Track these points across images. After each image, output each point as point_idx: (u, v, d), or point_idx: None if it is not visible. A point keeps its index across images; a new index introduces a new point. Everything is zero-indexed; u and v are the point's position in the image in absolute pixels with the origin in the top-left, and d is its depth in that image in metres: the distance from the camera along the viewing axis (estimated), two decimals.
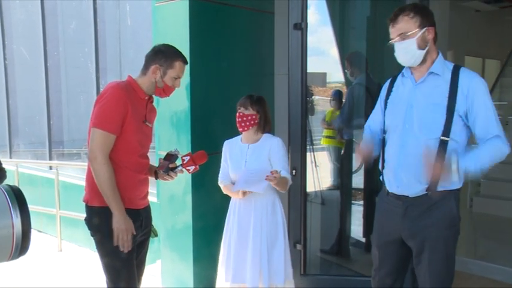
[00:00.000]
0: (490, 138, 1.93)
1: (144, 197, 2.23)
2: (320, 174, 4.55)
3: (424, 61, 1.98)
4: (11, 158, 6.46)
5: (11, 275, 3.72)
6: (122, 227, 2.02)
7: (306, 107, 3.17)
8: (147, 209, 2.26)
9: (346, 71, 3.95)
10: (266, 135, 2.55)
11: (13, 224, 0.98)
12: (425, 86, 1.99)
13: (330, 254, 3.85)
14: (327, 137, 4.90)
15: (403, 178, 2.02)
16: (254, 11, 3.48)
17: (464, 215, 5.90)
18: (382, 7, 3.78)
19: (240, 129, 2.51)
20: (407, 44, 1.94)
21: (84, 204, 2.15)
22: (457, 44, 7.54)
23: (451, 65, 1.99)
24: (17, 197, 1.01)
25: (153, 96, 2.24)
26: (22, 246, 0.99)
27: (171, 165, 2.24)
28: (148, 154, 2.28)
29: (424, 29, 1.93)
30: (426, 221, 2.01)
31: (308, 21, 3.06)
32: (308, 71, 3.13)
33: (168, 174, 2.25)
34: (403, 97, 2.06)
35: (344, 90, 4.76)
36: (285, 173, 2.46)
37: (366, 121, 2.34)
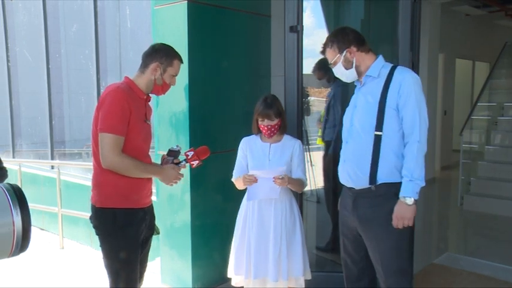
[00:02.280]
0: (412, 144, 2.03)
1: (149, 195, 2.25)
2: (316, 173, 4.56)
3: (360, 72, 2.15)
4: (14, 157, 6.44)
5: (13, 272, 3.70)
6: (170, 179, 2.18)
7: (302, 108, 3.17)
8: (151, 208, 2.28)
9: (318, 80, 3.96)
10: (286, 136, 2.59)
11: (13, 222, 0.97)
12: (365, 88, 2.17)
13: (325, 251, 3.85)
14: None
15: (348, 172, 2.16)
16: (251, 14, 3.48)
17: (454, 212, 5.98)
18: (376, 10, 3.78)
19: (267, 136, 2.52)
20: (337, 68, 2.18)
21: (90, 203, 2.16)
22: (448, 47, 7.58)
23: (389, 66, 2.14)
24: (17, 195, 1.00)
25: (150, 95, 2.23)
26: (22, 243, 0.99)
27: (175, 161, 2.26)
28: (149, 154, 2.28)
29: (344, 53, 2.13)
30: (370, 212, 2.11)
31: (304, 24, 3.05)
32: (304, 72, 3.12)
33: None
34: (352, 101, 2.26)
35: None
36: (302, 174, 2.53)
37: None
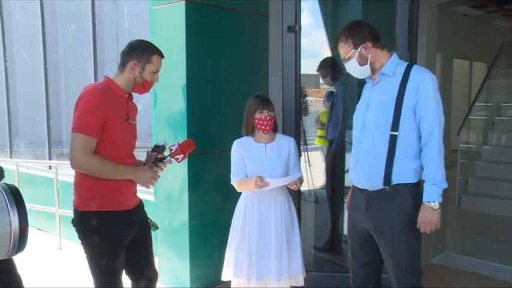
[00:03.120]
0: (432, 146, 2.00)
1: (133, 196, 2.18)
2: (313, 173, 4.56)
3: (374, 69, 2.10)
4: (11, 157, 6.42)
5: None
6: (146, 179, 2.10)
7: (300, 108, 3.17)
8: (137, 208, 2.20)
9: (322, 78, 3.96)
10: (279, 135, 2.58)
11: (10, 222, 0.97)
12: (379, 87, 2.11)
13: (324, 251, 3.85)
14: (320, 137, 4.92)
15: (362, 173, 2.12)
16: (249, 14, 3.47)
17: (452, 212, 5.98)
18: (374, 10, 3.78)
19: (265, 132, 2.48)
20: (350, 64, 2.11)
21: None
22: (445, 47, 7.59)
23: (404, 64, 2.08)
24: (15, 196, 1.00)
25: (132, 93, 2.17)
26: (19, 243, 0.99)
27: (159, 156, 2.19)
28: (133, 153, 2.24)
29: (359, 48, 2.06)
30: (384, 213, 2.08)
31: (301, 24, 3.05)
32: (302, 72, 3.12)
33: (156, 166, 2.19)
34: (364, 99, 2.19)
35: None
36: (299, 171, 2.52)
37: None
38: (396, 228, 2.05)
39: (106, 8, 4.81)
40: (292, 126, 3.07)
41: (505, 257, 3.83)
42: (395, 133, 2.00)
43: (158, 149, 2.22)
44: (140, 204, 2.24)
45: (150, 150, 2.24)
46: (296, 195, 3.12)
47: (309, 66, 3.91)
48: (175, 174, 3.11)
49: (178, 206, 3.19)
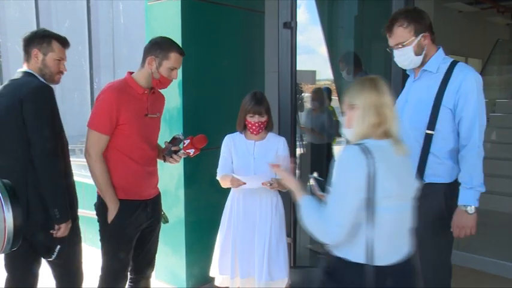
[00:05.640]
0: (471, 148, 1.91)
1: (153, 187, 2.31)
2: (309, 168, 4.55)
3: (424, 62, 2.00)
4: None
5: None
6: (113, 213, 2.13)
7: (296, 104, 3.17)
8: (155, 199, 2.33)
9: (341, 71, 3.94)
10: (271, 134, 2.55)
11: (5, 218, 0.96)
12: (420, 83, 2.02)
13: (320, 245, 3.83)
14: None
15: None
16: (245, 10, 3.46)
17: None
18: (369, 7, 3.78)
19: (254, 133, 2.47)
20: (404, 51, 1.97)
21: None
22: (441, 43, 7.58)
23: (449, 61, 1.98)
24: (9, 192, 0.99)
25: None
26: (14, 240, 0.98)
27: (173, 148, 2.29)
28: (156, 146, 2.35)
29: (419, 36, 1.94)
30: (416, 211, 2.03)
31: (297, 20, 3.05)
32: (297, 68, 3.12)
33: (171, 157, 2.30)
34: (403, 93, 2.11)
35: (333, 87, 4.76)
36: (272, 173, 2.42)
37: None
38: (426, 227, 1.98)
39: (101, 3, 4.78)
40: (288, 122, 3.07)
41: (496, 252, 3.86)
42: (431, 132, 1.93)
43: (175, 141, 2.31)
44: (157, 196, 2.37)
45: (168, 141, 2.32)
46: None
47: (305, 62, 3.92)
48: (171, 170, 3.10)
49: (174, 203, 3.19)
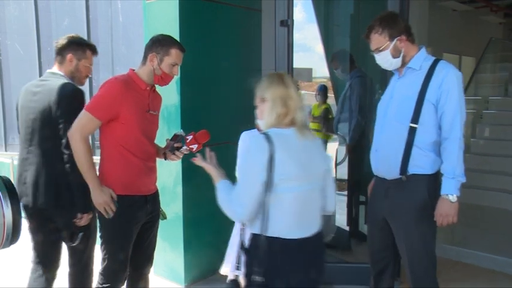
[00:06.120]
0: (453, 140, 2.01)
1: (152, 183, 2.30)
2: None
3: (404, 62, 2.10)
4: (6, 151, 6.36)
5: (6, 264, 3.67)
6: (98, 201, 2.09)
7: None
8: (154, 195, 2.33)
9: (334, 70, 3.93)
10: None
11: (4, 214, 0.96)
12: (405, 80, 2.12)
13: (330, 247, 3.80)
14: (313, 129, 4.91)
15: (381, 162, 2.16)
16: (242, 9, 3.45)
17: None
18: (365, 5, 3.77)
19: None
20: (383, 55, 2.09)
21: None
22: (435, 41, 7.60)
23: (431, 59, 2.08)
24: (8, 189, 0.99)
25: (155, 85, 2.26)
26: (13, 235, 0.98)
27: (176, 145, 2.29)
28: (154, 142, 2.33)
29: (394, 40, 2.05)
30: (400, 201, 2.12)
31: (294, 18, 3.04)
32: (294, 66, 3.11)
33: (174, 154, 2.30)
34: (388, 90, 2.21)
35: (329, 84, 4.76)
36: None
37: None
38: (410, 217, 2.08)
39: (100, 2, 4.76)
40: None
41: (490, 247, 3.88)
42: (415, 125, 2.02)
43: (176, 138, 2.31)
44: (156, 193, 2.37)
45: (169, 139, 2.32)
46: None
47: (302, 60, 3.91)
48: (170, 167, 3.09)
49: (172, 198, 3.18)
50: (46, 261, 2.34)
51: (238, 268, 1.82)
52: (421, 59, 2.09)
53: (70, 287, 2.44)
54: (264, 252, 1.63)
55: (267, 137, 1.61)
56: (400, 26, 2.07)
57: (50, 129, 2.19)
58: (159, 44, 2.16)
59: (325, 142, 4.50)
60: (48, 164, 2.21)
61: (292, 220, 1.66)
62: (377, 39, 2.08)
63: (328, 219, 3.93)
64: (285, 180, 1.60)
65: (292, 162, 1.62)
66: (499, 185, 5.44)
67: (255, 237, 1.67)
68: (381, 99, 2.24)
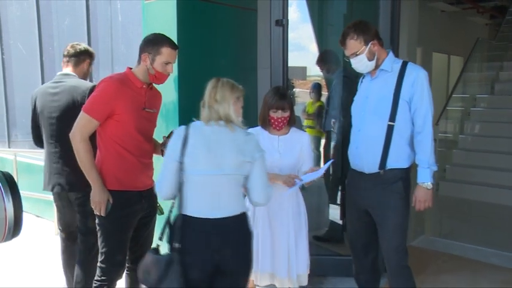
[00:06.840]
0: (426, 134, 2.13)
1: (148, 179, 2.28)
2: None
3: (378, 64, 2.20)
4: (9, 147, 6.33)
5: (8, 257, 3.66)
6: (96, 199, 2.11)
7: None
8: (150, 190, 2.28)
9: (321, 71, 3.93)
10: (293, 129, 2.47)
11: (5, 208, 0.95)
12: (378, 81, 2.22)
13: (324, 240, 3.79)
14: (307, 126, 4.91)
15: (360, 157, 2.24)
16: (238, 9, 3.44)
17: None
18: (357, 6, 3.77)
19: (277, 129, 2.40)
20: (359, 59, 2.18)
21: None
22: (425, 41, 7.61)
23: (400, 61, 2.21)
24: (9, 183, 0.97)
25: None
26: (14, 229, 0.97)
27: None
28: (152, 138, 2.33)
29: (369, 45, 2.15)
30: (378, 194, 2.21)
31: (289, 18, 3.03)
32: (289, 65, 3.11)
33: None
34: (362, 91, 2.30)
35: (323, 83, 4.75)
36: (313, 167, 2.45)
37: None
38: (388, 208, 2.18)
39: (100, 2, 4.73)
40: None
41: (477, 239, 3.91)
42: (392, 123, 2.13)
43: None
44: (153, 188, 2.30)
45: (167, 136, 2.30)
46: None
47: (296, 58, 3.90)
48: None
49: None
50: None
51: (161, 239, 1.92)
52: (391, 61, 2.20)
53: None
54: (177, 228, 1.81)
55: (187, 126, 1.87)
56: (372, 32, 2.18)
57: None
58: (150, 43, 2.15)
59: (319, 139, 4.50)
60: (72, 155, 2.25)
61: (203, 201, 1.81)
62: (353, 44, 2.16)
63: (321, 213, 3.96)
64: (194, 163, 1.79)
65: (203, 148, 1.80)
66: (486, 179, 5.48)
67: (178, 214, 1.84)
68: (354, 100, 2.34)
